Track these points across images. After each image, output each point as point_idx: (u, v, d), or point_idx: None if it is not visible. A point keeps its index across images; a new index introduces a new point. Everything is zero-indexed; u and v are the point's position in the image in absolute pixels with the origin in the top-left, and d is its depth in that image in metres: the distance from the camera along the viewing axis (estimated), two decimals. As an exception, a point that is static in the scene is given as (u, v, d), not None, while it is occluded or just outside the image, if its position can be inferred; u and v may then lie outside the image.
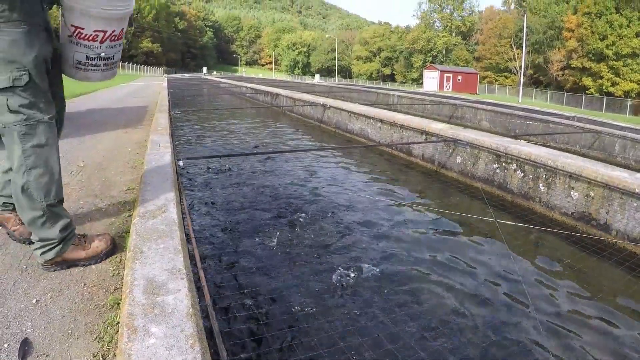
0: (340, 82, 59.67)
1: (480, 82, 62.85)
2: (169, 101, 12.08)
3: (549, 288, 3.56)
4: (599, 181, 4.70)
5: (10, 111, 2.02)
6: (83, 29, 2.20)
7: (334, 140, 10.24)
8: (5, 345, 1.78)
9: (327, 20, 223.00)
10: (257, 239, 4.11)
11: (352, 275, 3.51)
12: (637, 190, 4.30)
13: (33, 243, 2.30)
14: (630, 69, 48.59)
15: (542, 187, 5.45)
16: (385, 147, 8.95)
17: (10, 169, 2.25)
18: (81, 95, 15.32)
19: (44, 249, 2.26)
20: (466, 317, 3.04)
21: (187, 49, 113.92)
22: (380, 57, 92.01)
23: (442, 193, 6.12)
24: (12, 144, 2.08)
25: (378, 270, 3.63)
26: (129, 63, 69.22)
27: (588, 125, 11.76)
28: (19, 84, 1.99)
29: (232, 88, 26.92)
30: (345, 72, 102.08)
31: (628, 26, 47.87)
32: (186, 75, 65.71)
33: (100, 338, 1.84)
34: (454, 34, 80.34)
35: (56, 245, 2.27)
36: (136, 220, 2.60)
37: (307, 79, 79.82)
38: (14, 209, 2.49)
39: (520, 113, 14.13)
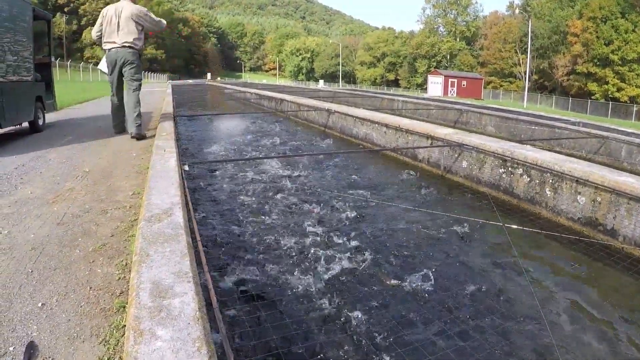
0: (344, 88, 59.70)
1: (484, 88, 62.88)
2: (173, 107, 12.11)
3: (557, 292, 3.53)
4: (606, 186, 4.65)
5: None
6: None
7: (339, 145, 10.22)
8: (11, 349, 1.77)
9: (330, 26, 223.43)
10: (264, 242, 4.10)
11: (352, 275, 3.50)
12: (645, 195, 4.25)
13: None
14: (636, 74, 48.42)
15: (548, 192, 5.41)
16: (391, 152, 8.93)
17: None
18: (86, 102, 15.41)
19: (140, 127, 6.82)
20: (474, 320, 3.02)
21: (191, 55, 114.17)
22: (384, 63, 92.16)
23: (448, 196, 6.09)
24: (134, 91, 6.76)
25: (385, 271, 3.62)
26: (133, 69, 69.12)
27: (594, 131, 11.72)
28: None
29: (237, 94, 26.92)
30: (349, 78, 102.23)
31: (634, 31, 47.75)
32: (190, 81, 65.93)
33: (106, 341, 1.83)
34: (458, 39, 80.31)
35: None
36: (142, 224, 2.60)
37: (311, 85, 79.89)
38: None
39: (526, 118, 14.05)
